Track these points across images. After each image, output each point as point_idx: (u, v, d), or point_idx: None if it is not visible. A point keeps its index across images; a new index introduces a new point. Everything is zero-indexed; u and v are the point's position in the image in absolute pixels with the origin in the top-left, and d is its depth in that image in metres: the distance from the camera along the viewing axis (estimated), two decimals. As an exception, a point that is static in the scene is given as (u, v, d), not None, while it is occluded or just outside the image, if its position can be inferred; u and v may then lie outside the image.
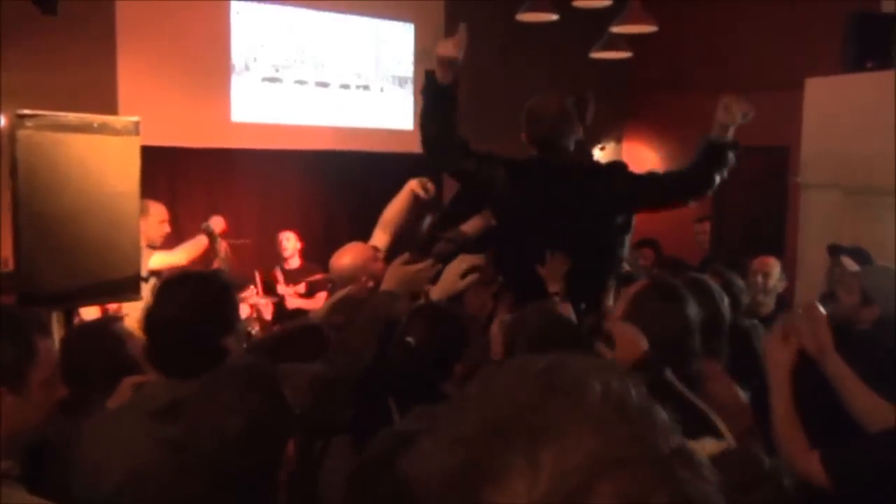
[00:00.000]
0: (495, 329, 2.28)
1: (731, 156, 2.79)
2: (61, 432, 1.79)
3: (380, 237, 2.99)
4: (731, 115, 2.73)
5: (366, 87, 6.81)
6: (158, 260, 4.28)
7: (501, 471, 0.51)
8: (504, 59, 7.03)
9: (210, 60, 6.01)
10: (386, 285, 2.23)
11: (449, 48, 2.58)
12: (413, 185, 3.05)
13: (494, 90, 6.90)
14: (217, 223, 4.54)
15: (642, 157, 7.82)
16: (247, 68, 6.20)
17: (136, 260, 3.45)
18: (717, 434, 1.82)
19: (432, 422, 0.60)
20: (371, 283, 2.53)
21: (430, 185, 3.04)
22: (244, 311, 5.21)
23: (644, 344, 1.90)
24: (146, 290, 3.65)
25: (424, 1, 6.96)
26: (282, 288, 5.63)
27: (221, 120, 6.11)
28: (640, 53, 6.01)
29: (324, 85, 6.59)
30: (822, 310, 2.07)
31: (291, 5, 6.35)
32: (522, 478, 0.50)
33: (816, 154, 5.34)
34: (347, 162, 6.59)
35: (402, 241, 3.03)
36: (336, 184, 6.80)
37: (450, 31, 7.52)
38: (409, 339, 2.04)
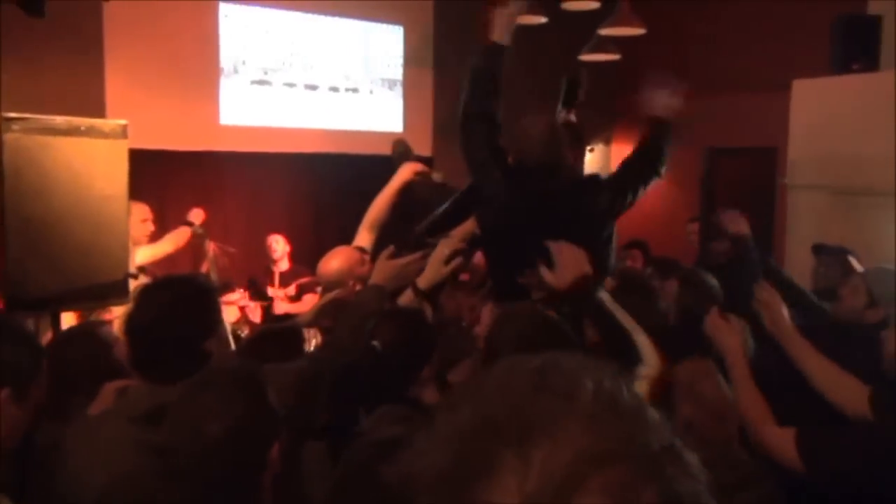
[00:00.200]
0: (486, 315, 2.28)
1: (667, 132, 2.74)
2: (47, 437, 1.78)
3: (364, 237, 2.98)
4: (655, 108, 2.70)
5: (355, 90, 6.81)
6: (144, 254, 4.26)
7: (493, 468, 0.52)
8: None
9: (198, 63, 6.00)
10: (374, 280, 2.23)
11: (514, 11, 2.57)
12: (407, 169, 3.04)
13: (484, 92, 6.91)
14: (196, 215, 4.50)
15: (631, 158, 7.85)
16: (235, 71, 6.19)
17: (125, 264, 3.44)
18: (641, 361, 1.86)
19: (408, 426, 0.61)
20: (359, 287, 2.53)
21: (425, 168, 3.05)
22: (233, 314, 5.20)
23: (586, 268, 1.93)
24: (135, 286, 3.63)
25: (413, 3, 6.96)
26: (272, 291, 5.62)
27: (210, 123, 6.09)
28: (628, 55, 6.03)
29: (313, 87, 6.58)
30: (775, 292, 2.13)
31: (280, 8, 6.34)
32: (513, 474, 0.51)
33: (804, 155, 5.38)
34: (337, 165, 6.58)
35: (388, 240, 3.02)
36: (325, 186, 6.79)
37: (439, 32, 7.49)
38: (375, 342, 2.02)
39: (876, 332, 2.30)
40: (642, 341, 1.89)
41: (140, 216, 4.36)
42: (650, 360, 1.85)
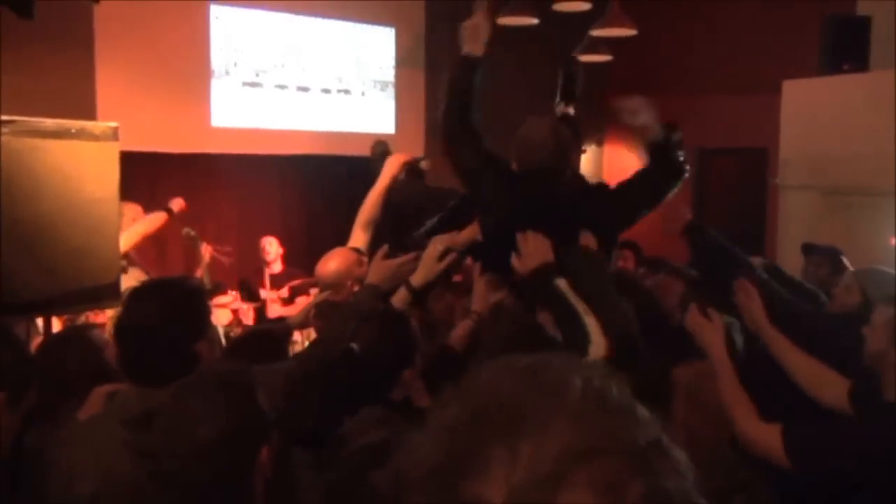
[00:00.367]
0: (479, 285, 2.28)
1: (674, 139, 2.66)
2: (36, 442, 1.77)
3: (359, 236, 2.98)
4: (634, 119, 2.65)
5: (347, 92, 6.80)
6: (122, 241, 4.20)
7: (482, 461, 0.52)
8: (485, 62, 7.04)
9: (190, 65, 5.98)
10: (369, 280, 2.23)
11: (480, 20, 2.54)
12: (394, 161, 3.03)
13: (476, 94, 6.92)
14: (176, 203, 4.44)
15: (624, 159, 7.86)
16: (227, 73, 6.17)
17: (116, 266, 3.42)
18: (590, 342, 1.92)
19: (391, 428, 0.62)
20: (356, 289, 2.53)
21: (411, 157, 3.04)
22: (225, 316, 5.19)
23: (548, 256, 2.06)
24: (125, 280, 3.61)
25: (405, 5, 6.96)
26: (265, 293, 5.61)
27: (201, 125, 6.08)
28: (620, 57, 6.05)
29: (305, 89, 6.57)
30: (753, 288, 2.15)
31: (271, 9, 6.33)
32: (501, 466, 0.52)
33: (795, 155, 5.41)
34: (329, 166, 6.58)
35: (383, 238, 3.02)
36: (317, 188, 6.78)
37: (430, 34, 7.49)
38: (354, 345, 2.01)
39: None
40: (592, 324, 1.96)
41: (131, 216, 4.34)
42: (598, 342, 1.92)
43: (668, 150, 2.60)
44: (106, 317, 3.69)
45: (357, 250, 2.89)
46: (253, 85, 6.30)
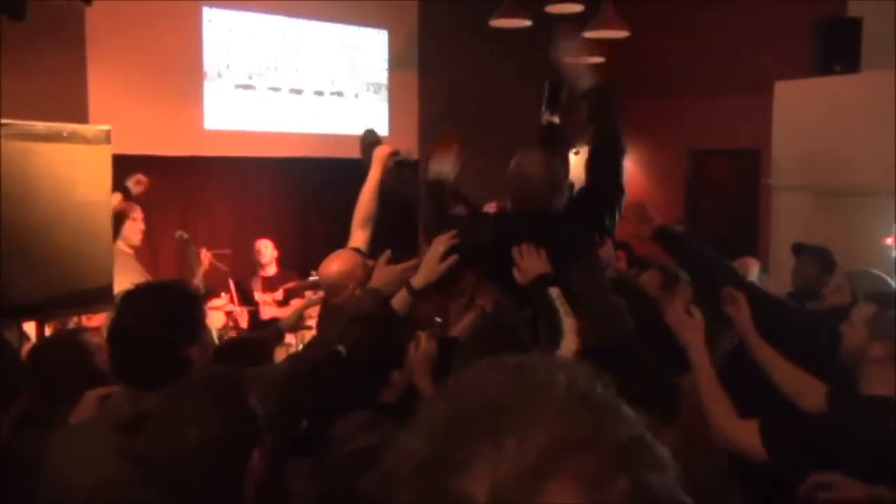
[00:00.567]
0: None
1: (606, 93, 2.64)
2: (27, 446, 1.76)
3: (358, 236, 2.97)
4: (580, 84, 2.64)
5: (340, 94, 6.80)
6: None
7: (467, 457, 0.53)
8: (478, 64, 7.05)
9: (182, 68, 5.97)
10: (372, 284, 2.23)
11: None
12: (381, 154, 3.03)
13: (469, 95, 6.92)
14: (137, 182, 4.32)
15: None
16: (219, 75, 6.16)
17: (109, 270, 3.41)
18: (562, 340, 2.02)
19: (378, 432, 0.62)
20: (358, 291, 2.52)
21: (396, 149, 3.04)
22: (220, 319, 5.18)
23: (543, 268, 2.19)
24: (118, 275, 3.59)
25: (398, 7, 6.97)
26: (259, 295, 5.59)
27: (194, 127, 6.07)
28: (612, 59, 6.06)
29: (297, 92, 6.56)
30: (742, 297, 2.20)
31: (264, 12, 6.33)
32: (486, 461, 0.52)
33: (787, 156, 5.42)
34: (322, 169, 6.57)
35: (382, 235, 3.01)
36: (311, 191, 6.78)
37: (423, 36, 7.47)
38: (340, 347, 2.00)
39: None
40: (568, 325, 2.05)
41: (130, 214, 4.33)
42: (569, 340, 2.01)
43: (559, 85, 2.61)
44: (99, 320, 3.68)
45: (358, 250, 2.88)
46: (246, 87, 6.29)
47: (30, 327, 3.40)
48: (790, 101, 5.39)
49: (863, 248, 4.67)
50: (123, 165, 3.75)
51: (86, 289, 3.26)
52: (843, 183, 4.98)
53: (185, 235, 5.07)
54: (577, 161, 8.10)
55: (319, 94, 6.68)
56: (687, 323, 2.12)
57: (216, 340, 4.53)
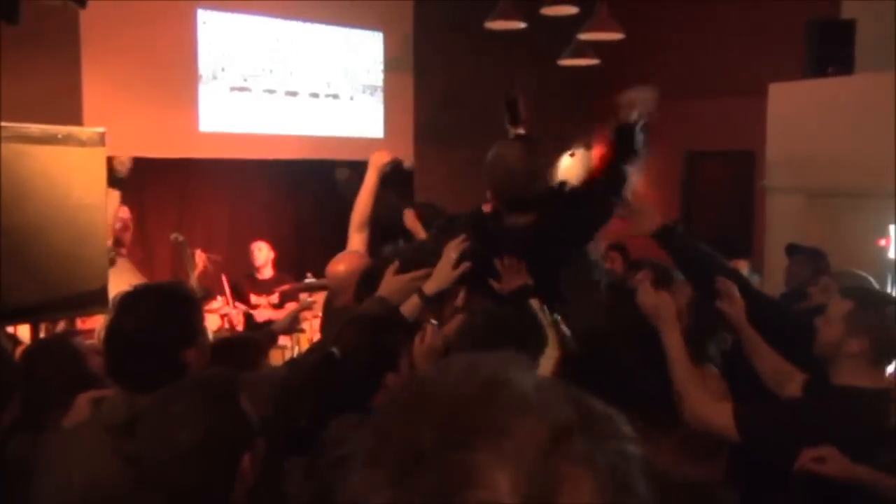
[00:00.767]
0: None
1: (639, 136, 2.62)
2: (20, 450, 1.76)
3: (356, 239, 2.98)
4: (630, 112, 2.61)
5: (335, 96, 6.80)
6: None
7: (472, 471, 0.53)
8: (473, 66, 7.06)
9: (177, 70, 5.96)
10: (380, 293, 2.23)
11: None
12: (377, 158, 3.03)
13: (464, 98, 6.93)
14: (120, 163, 4.28)
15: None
16: (214, 78, 6.16)
17: (104, 272, 3.41)
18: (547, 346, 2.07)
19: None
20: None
21: (395, 157, 3.05)
22: (215, 321, 5.17)
23: (524, 280, 2.34)
24: (113, 274, 3.58)
25: (393, 9, 6.97)
26: (255, 298, 5.59)
27: (189, 130, 6.06)
28: (607, 60, 6.07)
29: (293, 94, 6.56)
30: (735, 290, 2.25)
31: (259, 14, 6.32)
32: (494, 469, 0.53)
33: (781, 158, 5.44)
34: (318, 171, 6.57)
35: (381, 233, 3.02)
36: (307, 193, 6.77)
37: (418, 38, 7.46)
38: (334, 349, 1.99)
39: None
40: (551, 338, 2.09)
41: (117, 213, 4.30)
42: (553, 346, 2.05)
43: (632, 132, 2.54)
44: (94, 323, 3.68)
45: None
46: (241, 90, 6.29)
47: (24, 330, 3.39)
48: (784, 103, 5.41)
49: (856, 250, 4.68)
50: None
51: (80, 291, 3.25)
52: (837, 184, 5.00)
53: (181, 238, 5.06)
54: (571, 163, 8.12)
55: (315, 96, 6.68)
56: (657, 300, 2.14)
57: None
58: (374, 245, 2.97)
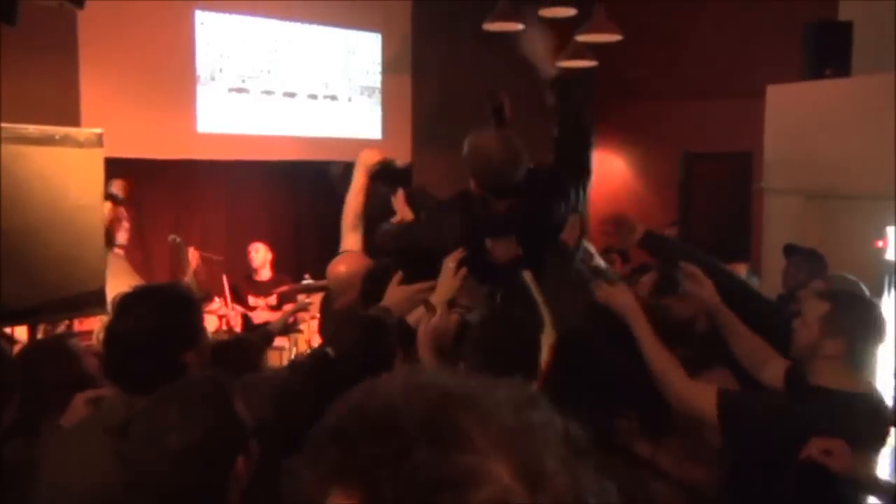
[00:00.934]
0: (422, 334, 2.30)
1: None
2: (16, 452, 1.75)
3: (350, 239, 2.97)
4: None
5: (333, 98, 6.80)
6: None
7: (467, 473, 0.54)
8: (471, 68, 7.06)
9: (175, 71, 5.95)
10: (384, 303, 2.24)
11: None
12: (366, 156, 3.04)
13: (462, 99, 6.92)
14: (119, 187, 4.34)
15: (610, 164, 7.90)
16: (212, 79, 6.15)
17: (101, 274, 3.40)
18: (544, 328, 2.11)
19: None
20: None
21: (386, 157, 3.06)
22: (213, 322, 5.16)
23: (516, 252, 2.37)
24: (110, 276, 3.58)
25: (392, 10, 6.97)
26: (252, 300, 5.59)
27: (187, 131, 6.05)
28: (605, 62, 6.08)
29: (291, 95, 6.56)
30: (699, 272, 2.26)
31: (257, 15, 6.32)
32: (484, 460, 0.55)
33: (779, 160, 5.44)
34: (316, 172, 6.56)
35: (376, 231, 3.02)
36: (305, 194, 6.77)
37: (417, 40, 7.46)
38: (329, 349, 2.00)
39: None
40: (546, 315, 2.13)
41: (118, 217, 4.32)
42: (549, 329, 2.08)
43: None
44: (91, 324, 3.67)
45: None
46: (239, 91, 6.28)
47: (21, 331, 3.39)
48: (782, 104, 5.41)
49: (854, 252, 4.68)
50: (116, 169, 3.74)
51: (78, 293, 3.25)
52: (834, 186, 5.00)
53: (178, 240, 5.06)
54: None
55: (313, 97, 6.68)
56: (613, 292, 2.19)
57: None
58: (369, 243, 2.97)
